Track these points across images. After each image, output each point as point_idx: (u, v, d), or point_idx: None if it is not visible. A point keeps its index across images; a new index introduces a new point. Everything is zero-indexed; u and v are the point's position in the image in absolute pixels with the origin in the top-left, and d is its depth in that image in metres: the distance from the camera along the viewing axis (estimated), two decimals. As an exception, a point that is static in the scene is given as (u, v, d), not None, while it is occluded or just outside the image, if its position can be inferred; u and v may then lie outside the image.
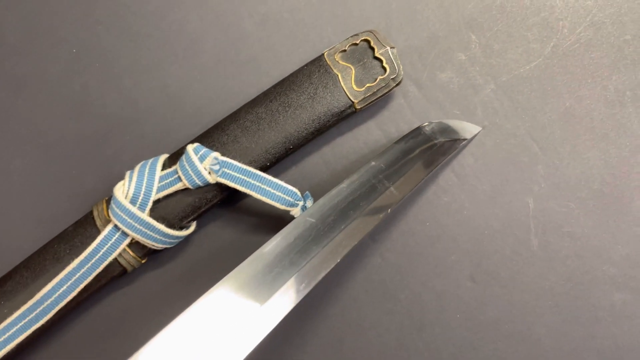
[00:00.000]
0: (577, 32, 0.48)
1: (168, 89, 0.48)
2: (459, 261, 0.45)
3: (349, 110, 0.44)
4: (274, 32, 0.49)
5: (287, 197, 0.40)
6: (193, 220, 0.42)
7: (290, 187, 0.40)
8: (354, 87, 0.44)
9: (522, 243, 0.45)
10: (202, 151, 0.40)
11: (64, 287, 0.39)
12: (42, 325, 0.39)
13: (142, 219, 0.39)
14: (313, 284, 0.33)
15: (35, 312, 0.39)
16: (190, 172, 0.40)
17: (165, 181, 0.41)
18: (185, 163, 0.40)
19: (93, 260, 0.40)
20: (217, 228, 0.45)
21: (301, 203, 0.41)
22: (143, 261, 0.42)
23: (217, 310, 0.31)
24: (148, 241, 0.40)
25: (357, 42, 0.45)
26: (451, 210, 0.46)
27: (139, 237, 0.40)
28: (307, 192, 0.42)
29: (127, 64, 0.49)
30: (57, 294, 0.39)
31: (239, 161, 0.41)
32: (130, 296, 0.44)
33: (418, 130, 0.44)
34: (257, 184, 0.40)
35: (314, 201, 0.40)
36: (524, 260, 0.45)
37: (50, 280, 0.39)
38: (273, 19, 0.49)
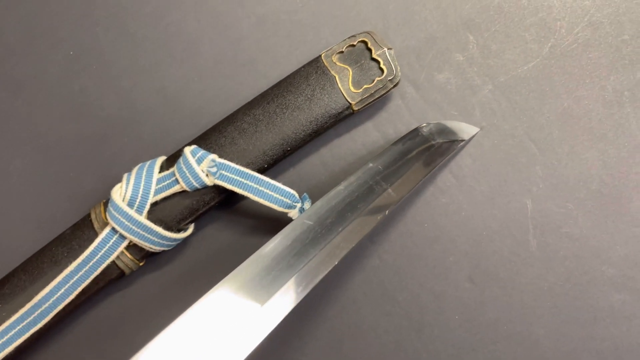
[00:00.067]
0: (575, 33, 0.48)
1: (166, 91, 0.48)
2: (458, 262, 0.45)
3: (346, 112, 0.44)
4: (272, 34, 0.49)
5: (284, 199, 0.40)
6: (191, 222, 0.42)
7: (287, 189, 0.40)
8: (352, 88, 0.44)
9: (520, 244, 0.45)
10: (200, 153, 0.40)
11: (62, 290, 0.39)
12: (40, 328, 0.39)
13: (139, 222, 0.39)
14: (311, 286, 0.33)
15: (33, 315, 0.39)
16: (187, 174, 0.40)
17: (163, 183, 0.41)
18: (182, 165, 0.40)
19: (91, 263, 0.40)
20: (215, 230, 0.45)
21: (299, 205, 0.41)
22: (141, 264, 0.42)
23: (216, 311, 0.31)
24: (146, 244, 0.40)
25: (355, 43, 0.45)
26: (449, 211, 0.46)
27: (136, 240, 0.40)
28: (305, 193, 0.42)
29: (125, 65, 0.49)
30: (55, 297, 0.39)
31: (237, 163, 0.41)
32: (129, 299, 0.44)
33: (416, 131, 0.44)
34: (255, 186, 0.40)
35: (312, 203, 0.40)
36: (522, 261, 0.45)
37: (48, 283, 0.39)
38: (270, 20, 0.49)
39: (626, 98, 0.46)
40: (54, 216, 0.45)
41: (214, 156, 0.40)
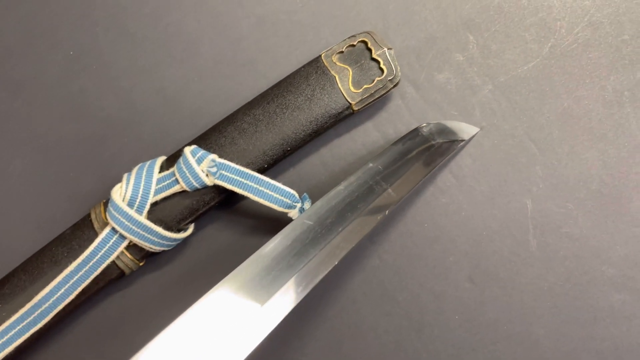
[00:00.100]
0: (575, 32, 0.48)
1: (165, 91, 0.48)
2: (458, 262, 0.45)
3: (346, 112, 0.44)
4: (271, 34, 0.49)
5: (284, 199, 0.40)
6: (191, 222, 0.42)
7: (287, 189, 0.40)
8: (352, 88, 0.44)
9: (520, 244, 0.45)
10: (200, 153, 0.40)
11: (62, 290, 0.39)
12: (40, 328, 0.39)
13: (139, 222, 0.39)
14: (311, 286, 0.33)
15: (33, 315, 0.39)
16: (187, 174, 0.40)
17: (163, 183, 0.41)
18: (182, 165, 0.40)
19: (91, 263, 0.40)
20: (215, 230, 0.45)
21: (299, 205, 0.41)
22: (141, 264, 0.42)
23: (216, 311, 0.31)
24: (146, 244, 0.40)
25: (355, 43, 0.45)
26: (449, 211, 0.46)
27: (136, 240, 0.40)
28: (305, 193, 0.42)
29: (125, 65, 0.49)
30: (55, 297, 0.39)
31: (237, 163, 0.41)
32: (129, 299, 0.44)
33: (416, 131, 0.44)
34: (255, 186, 0.40)
35: (312, 203, 0.40)
36: (522, 261, 0.45)
37: (48, 283, 0.39)
38: (270, 20, 0.49)
39: (626, 98, 0.46)
40: (54, 216, 0.45)
41: (214, 156, 0.40)
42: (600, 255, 0.45)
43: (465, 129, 0.46)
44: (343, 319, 0.44)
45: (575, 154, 0.46)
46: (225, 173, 0.40)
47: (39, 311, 0.39)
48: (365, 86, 0.44)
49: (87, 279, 0.40)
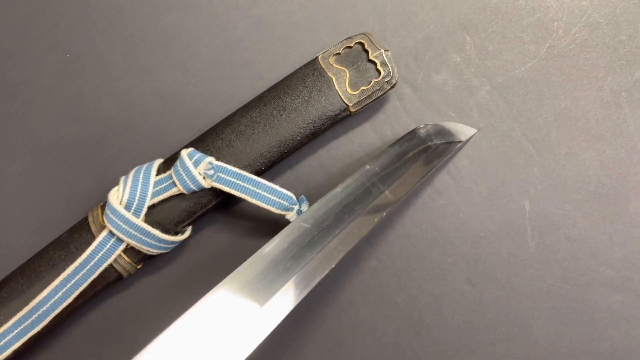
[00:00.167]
0: (572, 33, 0.48)
1: (162, 93, 0.48)
2: (456, 264, 0.45)
3: (343, 114, 0.44)
4: (269, 36, 0.49)
5: (282, 202, 0.40)
6: (188, 225, 0.42)
7: (285, 191, 0.40)
8: (349, 90, 0.44)
9: (518, 245, 0.45)
10: (197, 156, 0.40)
11: (60, 294, 0.39)
12: (38, 332, 0.39)
13: (137, 225, 0.39)
14: (308, 289, 0.33)
15: (31, 319, 0.39)
16: (184, 177, 0.40)
17: (160, 186, 0.41)
18: (179, 168, 0.40)
19: (88, 267, 0.39)
20: (213, 233, 0.45)
21: (296, 207, 0.41)
22: (139, 266, 0.42)
23: (214, 314, 0.31)
24: (143, 247, 0.40)
25: (351, 45, 0.45)
26: (447, 212, 0.46)
27: (134, 243, 0.39)
28: (302, 196, 0.42)
29: (122, 68, 0.48)
30: (52, 300, 0.39)
31: (234, 165, 0.41)
32: (127, 301, 0.44)
33: (413, 132, 0.44)
34: (252, 188, 0.40)
35: (310, 205, 0.40)
36: (520, 262, 0.45)
37: (45, 286, 0.39)
38: (267, 22, 0.49)
39: (624, 99, 0.46)
40: (51, 219, 0.45)
41: (210, 159, 0.40)
42: (598, 256, 0.45)
43: (463, 130, 0.46)
44: (342, 320, 0.44)
45: (573, 155, 0.46)
46: (223, 175, 0.40)
47: (36, 314, 0.39)
48: (362, 88, 0.44)
49: (84, 282, 0.40)
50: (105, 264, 0.40)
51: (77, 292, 0.40)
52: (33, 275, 0.40)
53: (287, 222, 0.39)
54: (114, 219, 0.39)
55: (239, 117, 0.44)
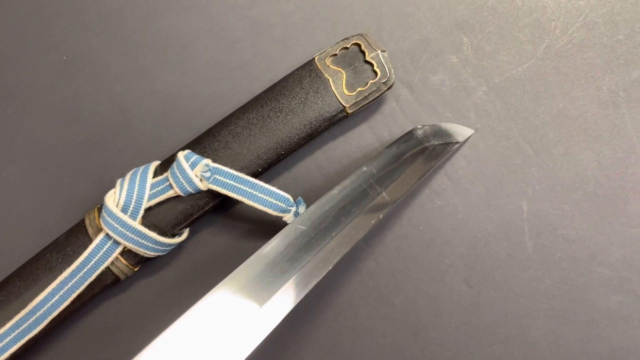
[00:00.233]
0: (569, 33, 0.47)
1: (159, 95, 0.48)
2: (454, 265, 0.45)
3: (340, 115, 0.44)
4: (265, 37, 0.49)
5: (279, 203, 0.40)
6: (185, 227, 0.42)
7: (282, 193, 0.40)
8: (345, 91, 0.44)
9: (516, 246, 0.45)
10: (193, 158, 0.40)
11: (57, 296, 0.39)
12: (36, 335, 0.39)
13: (133, 228, 0.39)
14: (305, 292, 0.33)
15: (29, 322, 0.39)
16: (181, 179, 0.40)
17: (157, 189, 0.40)
18: (176, 170, 0.40)
19: (85, 269, 0.39)
20: (210, 235, 0.45)
21: (293, 209, 0.40)
22: (136, 269, 0.42)
23: (210, 317, 0.31)
24: (140, 249, 0.40)
25: (348, 46, 0.45)
26: (445, 213, 0.46)
27: (130, 246, 0.39)
28: (299, 197, 0.42)
29: (118, 70, 0.48)
30: (50, 303, 0.39)
31: (231, 167, 0.41)
32: (124, 304, 0.44)
33: (410, 133, 0.44)
34: (249, 190, 0.40)
35: (307, 206, 0.40)
36: (518, 263, 0.45)
37: (42, 289, 0.39)
38: (264, 23, 0.49)
39: (621, 98, 0.46)
40: (48, 222, 0.45)
41: (207, 161, 0.40)
42: (596, 256, 0.44)
43: (460, 131, 0.46)
44: (339, 322, 0.44)
45: (570, 155, 0.46)
46: (219, 177, 0.40)
47: (34, 318, 0.39)
48: (359, 89, 0.44)
49: (81, 285, 0.39)
50: (102, 267, 0.40)
51: (74, 295, 0.39)
52: (30, 278, 0.40)
53: (285, 224, 0.39)
54: (111, 221, 0.39)
55: (236, 119, 0.43)
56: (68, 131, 0.47)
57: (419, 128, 0.45)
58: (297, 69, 0.45)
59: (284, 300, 0.33)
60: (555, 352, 0.43)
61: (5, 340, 0.39)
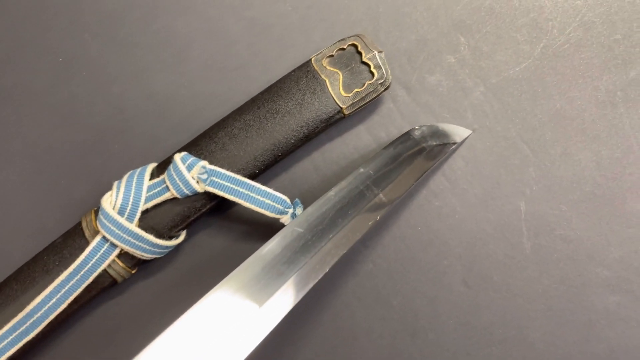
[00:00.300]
0: (566, 33, 0.47)
1: (156, 97, 0.48)
2: (451, 266, 0.45)
3: (337, 116, 0.44)
4: (262, 38, 0.49)
5: (276, 205, 0.40)
6: (182, 229, 0.42)
7: (279, 194, 0.40)
8: (342, 92, 0.44)
9: (514, 247, 0.45)
10: (190, 160, 0.40)
11: (54, 299, 0.39)
12: (33, 338, 0.39)
13: (130, 230, 0.39)
14: (302, 294, 0.33)
15: (26, 325, 0.39)
16: (178, 181, 0.40)
17: (154, 191, 0.40)
18: (173, 172, 0.40)
19: (82, 272, 0.39)
20: (207, 237, 0.45)
21: (291, 210, 0.40)
22: (133, 271, 0.42)
23: (207, 319, 0.31)
24: (137, 252, 0.40)
25: (345, 46, 0.44)
26: (442, 214, 0.46)
27: (127, 248, 0.39)
28: (296, 199, 0.42)
29: (114, 72, 0.48)
30: (47, 306, 0.39)
31: (227, 169, 0.41)
32: (121, 307, 0.44)
33: (407, 134, 0.44)
34: (246, 192, 0.40)
35: (304, 208, 0.40)
36: (516, 264, 0.45)
37: (40, 292, 0.39)
38: (260, 24, 0.49)
39: (619, 98, 0.46)
40: (45, 225, 0.45)
41: (204, 163, 0.40)
42: (594, 257, 0.44)
43: (458, 132, 0.46)
44: (337, 323, 0.44)
45: (568, 155, 0.46)
46: (216, 179, 0.40)
47: (31, 320, 0.39)
48: (355, 90, 0.44)
49: (79, 287, 0.39)
50: (100, 269, 0.40)
51: (71, 298, 0.39)
52: (27, 281, 0.40)
53: (282, 226, 0.38)
54: (108, 224, 0.39)
55: (233, 121, 0.43)
56: (65, 133, 0.47)
57: (417, 129, 0.45)
58: (293, 70, 0.45)
59: (282, 302, 0.33)
60: (554, 353, 0.43)
61: (3, 343, 0.39)
